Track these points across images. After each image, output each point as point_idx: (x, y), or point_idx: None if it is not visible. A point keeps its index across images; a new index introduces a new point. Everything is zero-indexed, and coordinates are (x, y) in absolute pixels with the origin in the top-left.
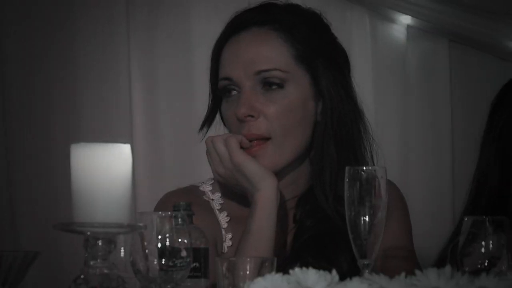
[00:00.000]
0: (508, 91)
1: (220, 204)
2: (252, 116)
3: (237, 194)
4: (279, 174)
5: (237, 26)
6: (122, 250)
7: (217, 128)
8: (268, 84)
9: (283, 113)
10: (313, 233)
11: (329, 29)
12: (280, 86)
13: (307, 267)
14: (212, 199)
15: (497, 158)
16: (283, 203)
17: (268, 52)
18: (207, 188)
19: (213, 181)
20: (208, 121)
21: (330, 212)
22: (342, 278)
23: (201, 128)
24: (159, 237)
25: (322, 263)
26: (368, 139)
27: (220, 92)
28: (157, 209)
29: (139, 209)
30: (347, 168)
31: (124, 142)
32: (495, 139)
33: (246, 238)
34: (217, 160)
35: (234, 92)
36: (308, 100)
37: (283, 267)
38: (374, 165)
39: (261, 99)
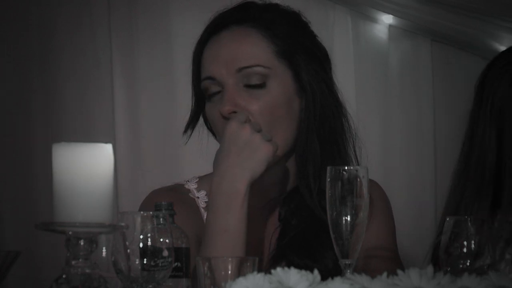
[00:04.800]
0: (493, 66)
1: (206, 202)
2: (236, 113)
3: None
4: (265, 172)
5: (217, 25)
6: (104, 250)
7: (201, 130)
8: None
9: (267, 110)
10: (298, 232)
11: (308, 26)
12: (263, 82)
13: (292, 266)
14: (198, 197)
15: (494, 134)
16: (269, 201)
17: (249, 48)
18: (192, 186)
19: (198, 179)
20: (191, 124)
21: (315, 207)
22: (328, 275)
23: (185, 131)
24: (141, 237)
25: (307, 262)
26: (351, 134)
27: (203, 92)
28: (142, 207)
29: (121, 209)
30: (328, 168)
31: (106, 142)
32: (492, 116)
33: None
34: None
35: (217, 92)
36: (291, 96)
37: (268, 267)
38: (357, 160)
39: (244, 96)
